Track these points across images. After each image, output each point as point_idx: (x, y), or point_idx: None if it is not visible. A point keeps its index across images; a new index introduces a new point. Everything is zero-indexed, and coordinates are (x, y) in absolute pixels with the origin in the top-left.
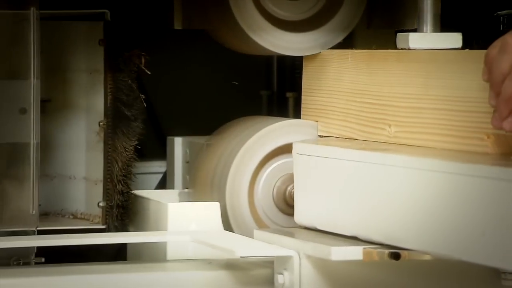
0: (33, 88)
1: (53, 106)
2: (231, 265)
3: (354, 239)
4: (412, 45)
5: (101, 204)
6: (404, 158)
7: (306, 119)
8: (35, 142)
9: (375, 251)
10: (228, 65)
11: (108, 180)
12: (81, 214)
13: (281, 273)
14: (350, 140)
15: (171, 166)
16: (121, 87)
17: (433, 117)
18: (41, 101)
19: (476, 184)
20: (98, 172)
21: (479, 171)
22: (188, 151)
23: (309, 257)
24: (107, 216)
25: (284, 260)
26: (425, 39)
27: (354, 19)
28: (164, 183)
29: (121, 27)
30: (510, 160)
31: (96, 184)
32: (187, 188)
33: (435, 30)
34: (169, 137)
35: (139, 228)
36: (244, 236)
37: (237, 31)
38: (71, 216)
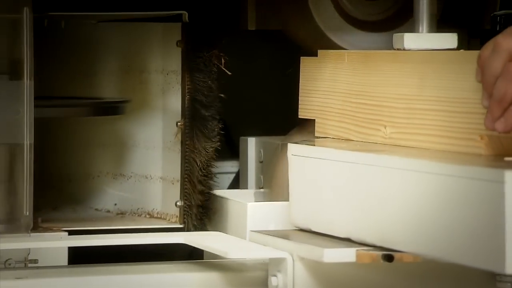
0: (26, 89)
1: (130, 107)
2: (226, 267)
3: (348, 241)
4: (407, 45)
5: (178, 203)
6: (396, 159)
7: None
8: (28, 143)
9: (368, 253)
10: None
11: (186, 180)
12: (157, 213)
13: (275, 275)
14: (346, 141)
15: (244, 166)
16: (199, 88)
17: (428, 118)
18: (120, 102)
19: (467, 186)
20: (175, 171)
21: (469, 173)
22: (262, 151)
23: (302, 259)
24: (185, 216)
25: (278, 262)
26: (420, 40)
27: None
28: (236, 183)
29: (198, 28)
30: (502, 162)
31: (173, 183)
32: (261, 188)
33: (431, 30)
34: (242, 137)
35: (217, 227)
36: (240, 238)
37: (314, 30)
38: (147, 216)
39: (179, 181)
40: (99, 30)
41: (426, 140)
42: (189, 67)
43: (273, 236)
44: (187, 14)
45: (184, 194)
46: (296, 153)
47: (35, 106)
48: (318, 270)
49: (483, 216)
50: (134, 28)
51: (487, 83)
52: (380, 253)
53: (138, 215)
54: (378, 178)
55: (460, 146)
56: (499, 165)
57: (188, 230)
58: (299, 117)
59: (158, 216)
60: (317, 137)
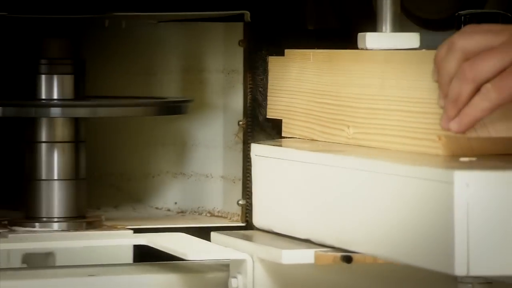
0: None
1: (191, 106)
2: (187, 268)
3: (308, 242)
4: (369, 45)
5: (240, 202)
6: (351, 160)
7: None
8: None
9: (327, 254)
10: None
11: (248, 178)
12: (218, 212)
13: (235, 277)
14: (310, 141)
15: None
16: (261, 87)
17: (389, 118)
18: (183, 101)
19: (418, 186)
20: (236, 170)
21: (419, 173)
22: None
23: (262, 260)
24: (247, 214)
25: (238, 264)
26: (382, 39)
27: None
28: None
29: (260, 27)
30: (457, 162)
31: (234, 182)
32: None
33: (395, 29)
34: None
35: None
36: (203, 240)
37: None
38: (208, 214)
39: (241, 180)
40: (159, 30)
41: (387, 141)
42: (251, 67)
43: (235, 237)
44: (249, 13)
45: (246, 193)
46: (258, 153)
47: (99, 106)
48: (278, 271)
49: (434, 217)
50: (195, 27)
51: (442, 83)
52: (339, 254)
53: (199, 214)
54: (335, 179)
55: (419, 147)
56: (451, 165)
57: (250, 229)
58: (267, 117)
59: (219, 215)
60: (284, 137)
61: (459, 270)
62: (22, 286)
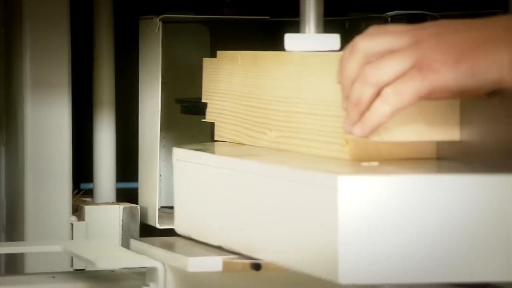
0: None
1: None
2: (104, 277)
3: (220, 249)
4: (288, 47)
5: None
6: (251, 164)
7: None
8: None
9: (235, 261)
10: None
11: None
12: None
13: (147, 285)
14: (235, 145)
15: None
16: None
17: (305, 121)
18: None
19: (306, 191)
20: None
21: (306, 178)
22: None
23: (173, 268)
24: None
25: (151, 272)
26: (302, 41)
27: None
28: None
29: None
30: (352, 167)
31: None
32: None
33: (319, 31)
34: None
35: None
36: (121, 248)
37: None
38: None
39: None
40: None
41: (304, 145)
42: None
43: (151, 244)
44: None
45: None
46: (179, 158)
47: None
48: (190, 279)
49: (320, 223)
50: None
51: (344, 86)
52: (248, 261)
53: None
54: (241, 184)
55: (331, 151)
56: (340, 170)
57: None
58: (202, 120)
59: None
60: (215, 141)
61: (343, 278)
62: None
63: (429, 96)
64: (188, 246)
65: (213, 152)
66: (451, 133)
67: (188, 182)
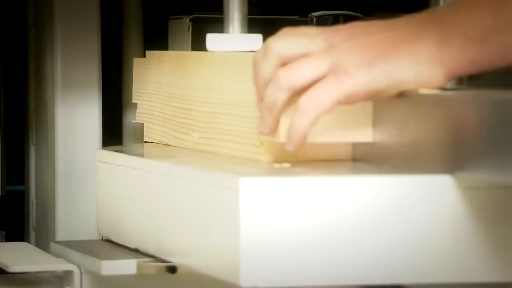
0: None
1: None
2: (21, 281)
3: (136, 252)
4: (209, 47)
5: None
6: (166, 166)
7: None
8: None
9: (150, 264)
10: None
11: None
12: None
13: None
14: (160, 146)
15: None
16: None
17: (225, 123)
18: None
19: (210, 193)
20: None
21: (211, 179)
22: None
23: (89, 271)
24: None
25: (67, 275)
26: (224, 41)
27: None
28: None
29: None
30: (262, 168)
31: None
32: None
33: (243, 31)
34: None
35: None
36: (38, 250)
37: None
38: None
39: None
40: None
41: (224, 146)
42: None
43: (69, 248)
44: None
45: None
46: (102, 159)
47: None
48: (106, 283)
49: (223, 225)
50: None
51: (258, 87)
52: (163, 264)
53: None
54: (155, 186)
55: (248, 152)
56: (245, 171)
57: None
58: (133, 121)
59: None
60: (145, 142)
61: (245, 281)
62: None
63: (347, 101)
64: (106, 249)
65: (132, 154)
66: (364, 135)
67: (109, 184)
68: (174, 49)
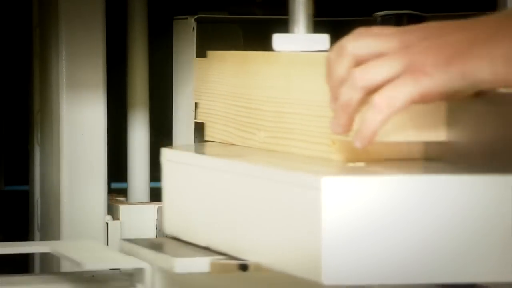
0: None
1: None
2: (91, 278)
3: (207, 250)
4: (276, 47)
5: None
6: (236, 164)
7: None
8: None
9: (222, 262)
10: None
11: None
12: None
13: (134, 286)
14: (226, 146)
15: None
16: None
17: (294, 122)
18: None
19: (290, 192)
20: None
21: (290, 178)
22: None
23: (161, 269)
24: None
25: (139, 273)
26: (292, 41)
27: None
28: None
29: None
30: (338, 168)
31: None
32: None
33: (308, 31)
34: None
35: None
36: (108, 248)
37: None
38: None
39: None
40: None
41: (292, 145)
42: None
43: (139, 245)
44: None
45: None
46: (169, 158)
47: None
48: (177, 280)
49: (304, 224)
50: None
51: (332, 87)
52: (236, 262)
53: None
54: (229, 185)
55: (318, 151)
56: (325, 171)
57: None
58: (195, 120)
59: None
60: (206, 141)
61: (327, 279)
62: None
63: (421, 100)
64: (176, 246)
65: (201, 153)
66: (437, 134)
67: (176, 183)
68: (178, 49)
